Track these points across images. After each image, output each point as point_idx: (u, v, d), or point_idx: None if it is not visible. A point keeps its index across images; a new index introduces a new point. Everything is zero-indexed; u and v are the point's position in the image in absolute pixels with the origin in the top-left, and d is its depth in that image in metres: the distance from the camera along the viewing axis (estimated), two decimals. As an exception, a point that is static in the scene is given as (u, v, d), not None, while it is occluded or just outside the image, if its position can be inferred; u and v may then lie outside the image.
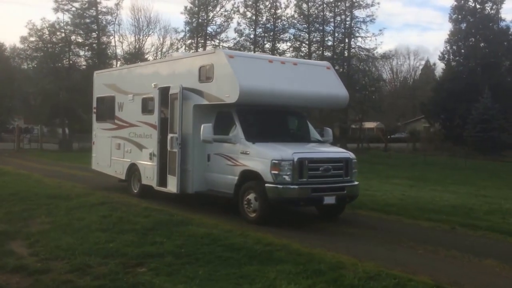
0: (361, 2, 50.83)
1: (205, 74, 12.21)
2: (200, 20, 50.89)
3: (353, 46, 51.74)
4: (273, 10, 51.36)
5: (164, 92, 13.41)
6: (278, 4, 51.71)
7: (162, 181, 13.40)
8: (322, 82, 12.72)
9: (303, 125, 13.06)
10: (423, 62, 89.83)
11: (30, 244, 8.88)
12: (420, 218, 12.34)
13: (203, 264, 7.73)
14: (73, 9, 46.51)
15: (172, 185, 12.72)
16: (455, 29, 57.74)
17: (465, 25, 56.96)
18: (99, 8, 47.21)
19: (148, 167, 14.10)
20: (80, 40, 47.58)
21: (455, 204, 14.86)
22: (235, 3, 52.54)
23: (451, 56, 58.57)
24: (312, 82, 12.50)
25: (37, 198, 13.76)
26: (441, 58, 60.52)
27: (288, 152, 10.87)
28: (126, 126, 15.27)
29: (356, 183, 11.70)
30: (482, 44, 56.00)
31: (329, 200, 11.06)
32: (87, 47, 47.69)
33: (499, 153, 44.42)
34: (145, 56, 51.62)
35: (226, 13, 51.11)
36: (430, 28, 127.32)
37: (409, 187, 19.69)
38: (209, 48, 48.35)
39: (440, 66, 70.55)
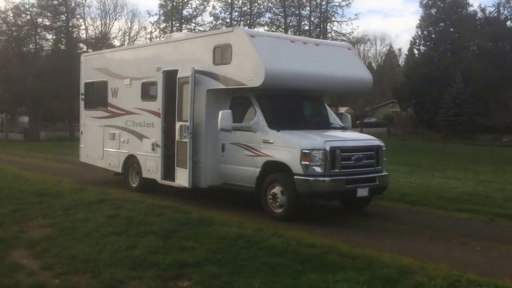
0: (337, -13, 50.06)
1: (221, 56, 10.92)
2: (175, 3, 49.10)
3: (329, 30, 51.06)
4: (249, -7, 50.08)
5: (169, 76, 12.11)
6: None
7: (168, 174, 12.15)
8: (346, 64, 11.65)
9: (323, 110, 11.99)
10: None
11: (37, 254, 7.53)
12: (449, 209, 11.56)
13: (252, 274, 6.59)
14: (40, -11, 43.97)
15: (182, 179, 11.47)
16: (425, 14, 57.75)
17: (435, 10, 56.96)
18: (67, -11, 44.75)
19: (150, 159, 12.79)
20: (47, 23, 44.99)
21: (469, 192, 14.18)
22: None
23: (422, 41, 58.68)
24: (336, 64, 11.43)
25: (24, 196, 12.26)
26: (412, 43, 60.66)
27: (319, 140, 9.79)
28: (122, 114, 13.84)
29: (386, 173, 10.74)
30: (452, 29, 56.13)
31: (362, 192, 10.03)
32: (54, 31, 45.06)
33: (472, 137, 44.62)
34: (111, 42, 49.66)
35: (202, -5, 49.55)
36: (392, 14, 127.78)
37: (408, 173, 19.00)
38: (185, 31, 46.68)
39: (404, 52, 70.95)
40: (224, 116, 10.40)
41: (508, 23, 53.99)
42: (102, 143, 14.58)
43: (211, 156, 11.32)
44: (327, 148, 9.56)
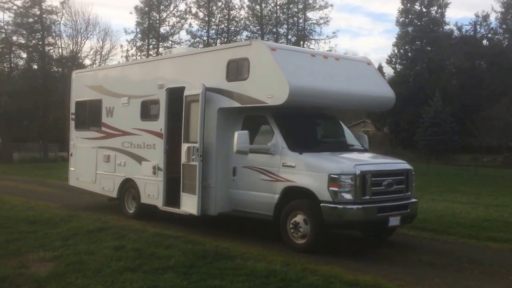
0: (314, 4, 50.09)
1: (236, 71, 10.09)
2: (151, 20, 48.34)
3: (306, 49, 50.80)
4: (226, 11, 49.65)
5: (172, 93, 11.25)
6: (231, 4, 50.23)
7: (172, 200, 11.20)
8: (368, 80, 10.92)
9: (341, 130, 11.21)
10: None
11: (48, 297, 6.57)
12: (480, 238, 10.73)
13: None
14: (15, 7, 42.78)
15: (189, 206, 10.51)
16: (402, 32, 58.13)
17: (412, 28, 57.44)
18: (43, 7, 43.52)
19: (150, 183, 11.83)
20: (22, 41, 43.64)
21: (485, 218, 13.45)
22: (187, 2, 50.30)
23: (398, 60, 58.96)
24: (360, 80, 10.69)
25: (14, 224, 11.12)
26: (389, 62, 60.85)
27: (348, 163, 9.01)
28: (118, 134, 12.85)
29: (416, 199, 10.01)
30: (428, 48, 56.57)
31: (395, 221, 9.22)
32: (30, 49, 43.71)
33: (451, 157, 44.57)
34: (80, 61, 48.45)
35: (179, 13, 48.96)
36: (360, 34, 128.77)
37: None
38: (162, 49, 45.97)
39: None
40: (240, 137, 9.50)
41: (484, 41, 54.61)
42: (94, 166, 13.53)
43: (222, 180, 10.43)
44: (358, 173, 8.77)
